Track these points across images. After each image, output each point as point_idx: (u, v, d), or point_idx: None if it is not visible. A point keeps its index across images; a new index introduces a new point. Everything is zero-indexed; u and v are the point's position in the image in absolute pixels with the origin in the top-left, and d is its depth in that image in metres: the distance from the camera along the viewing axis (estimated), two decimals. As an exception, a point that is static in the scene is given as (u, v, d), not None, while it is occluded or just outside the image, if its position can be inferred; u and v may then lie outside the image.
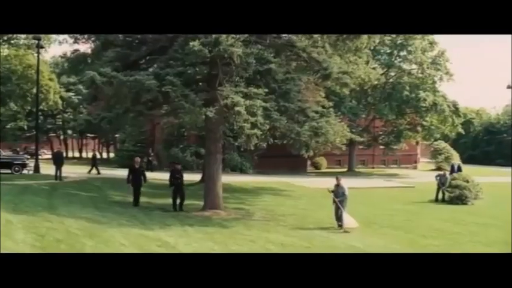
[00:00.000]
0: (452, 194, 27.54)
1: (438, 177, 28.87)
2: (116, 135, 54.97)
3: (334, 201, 19.00)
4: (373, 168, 60.60)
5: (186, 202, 22.25)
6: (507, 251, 15.75)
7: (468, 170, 37.93)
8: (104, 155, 68.50)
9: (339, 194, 18.92)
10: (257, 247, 14.70)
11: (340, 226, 18.57)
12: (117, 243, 13.20)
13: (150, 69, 21.06)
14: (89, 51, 23.72)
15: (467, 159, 46.10)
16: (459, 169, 36.87)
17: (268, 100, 19.02)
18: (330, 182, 20.97)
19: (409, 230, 19.05)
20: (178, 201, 21.51)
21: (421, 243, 16.62)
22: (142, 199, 22.14)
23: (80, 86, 50.23)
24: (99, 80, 18.58)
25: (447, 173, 30.55)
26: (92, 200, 22.17)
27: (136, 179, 21.86)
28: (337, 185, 19.14)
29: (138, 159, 23.26)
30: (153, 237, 14.69)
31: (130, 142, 47.63)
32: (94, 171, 36.37)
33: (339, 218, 18.79)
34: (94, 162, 37.72)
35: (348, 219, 18.45)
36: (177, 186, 21.60)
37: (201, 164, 28.53)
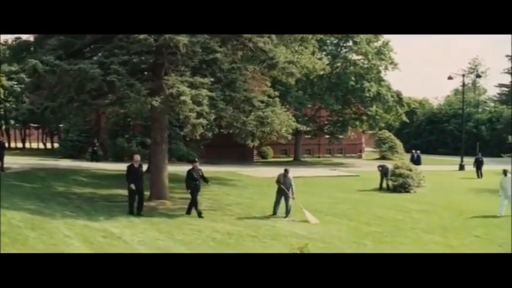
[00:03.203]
0: (396, 183, 28.08)
1: (380, 168, 29.41)
2: (60, 125, 53.75)
3: (279, 191, 19.30)
4: (319, 157, 61.11)
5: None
6: (445, 235, 16.41)
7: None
8: (48, 145, 67.08)
9: (287, 185, 19.23)
10: (203, 237, 14.80)
11: (275, 214, 19.17)
12: (61, 235, 13.09)
13: (95, 58, 20.68)
14: (32, 38, 23.18)
15: (411, 148, 46.86)
16: (418, 159, 37.68)
17: (214, 89, 19.04)
18: (276, 171, 21.17)
19: (353, 218, 19.42)
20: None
21: (365, 231, 17.00)
22: (86, 189, 21.74)
23: (22, 75, 48.89)
24: (42, 69, 18.19)
25: (387, 164, 31.10)
26: (35, 191, 21.78)
27: (137, 181, 18.32)
28: (285, 176, 19.42)
29: (137, 156, 19.19)
30: (98, 228, 14.61)
31: (74, 132, 46.67)
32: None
33: (276, 206, 19.35)
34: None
35: (309, 216, 18.76)
36: (194, 189, 18.70)
37: (147, 154, 28.21)
